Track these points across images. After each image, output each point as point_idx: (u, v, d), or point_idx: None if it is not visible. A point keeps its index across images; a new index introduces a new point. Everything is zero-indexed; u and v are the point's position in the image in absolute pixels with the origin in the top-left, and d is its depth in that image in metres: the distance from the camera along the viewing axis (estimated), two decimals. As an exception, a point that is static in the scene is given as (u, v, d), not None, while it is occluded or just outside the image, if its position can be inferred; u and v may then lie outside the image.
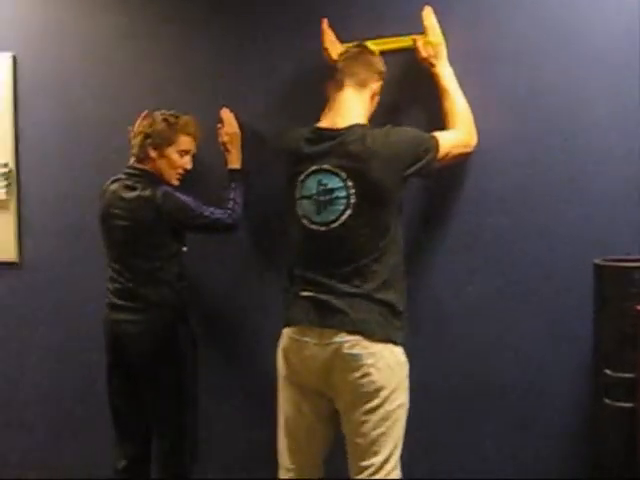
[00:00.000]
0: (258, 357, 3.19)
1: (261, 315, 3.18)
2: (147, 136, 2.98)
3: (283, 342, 2.57)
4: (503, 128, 2.78)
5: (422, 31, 2.74)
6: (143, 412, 3.01)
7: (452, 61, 2.75)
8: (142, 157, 3.00)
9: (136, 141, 3.01)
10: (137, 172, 3.00)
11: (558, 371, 2.75)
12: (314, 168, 2.51)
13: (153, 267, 2.94)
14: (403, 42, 2.82)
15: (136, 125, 3.03)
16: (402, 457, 2.49)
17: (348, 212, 2.45)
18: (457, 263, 2.86)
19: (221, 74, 3.23)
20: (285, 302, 2.59)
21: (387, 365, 2.43)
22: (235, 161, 3.08)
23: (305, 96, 3.01)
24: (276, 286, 2.86)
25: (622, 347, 2.37)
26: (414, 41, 2.74)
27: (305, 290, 2.51)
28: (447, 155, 2.62)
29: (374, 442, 2.43)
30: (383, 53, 2.80)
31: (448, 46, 2.75)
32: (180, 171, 3.03)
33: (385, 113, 2.78)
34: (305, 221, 2.53)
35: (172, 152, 2.99)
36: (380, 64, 2.67)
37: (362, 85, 2.61)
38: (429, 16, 2.74)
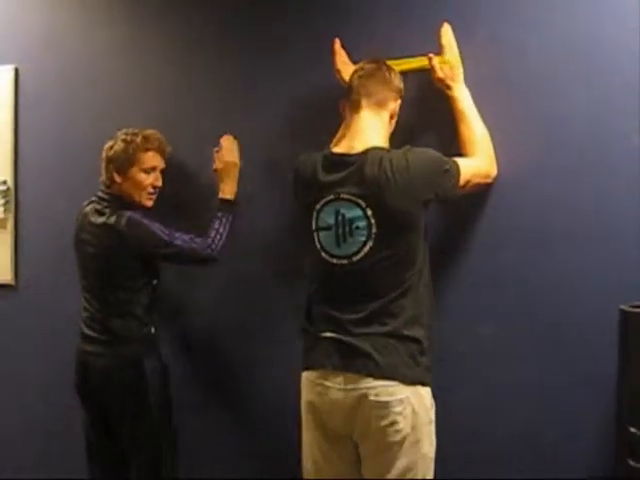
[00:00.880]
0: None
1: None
2: (109, 160, 2.84)
3: (305, 387, 2.42)
4: (525, 158, 2.55)
5: (439, 51, 2.55)
6: (115, 446, 2.87)
7: (469, 85, 2.55)
8: (109, 183, 2.86)
9: (102, 167, 2.88)
10: (106, 197, 2.85)
11: (577, 426, 2.52)
12: (331, 197, 2.34)
13: (121, 298, 2.80)
14: (418, 62, 2.60)
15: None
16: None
17: (370, 243, 2.29)
18: (471, 302, 2.65)
19: (231, 91, 3.06)
20: (305, 343, 2.44)
21: (414, 411, 2.29)
22: (227, 191, 2.86)
23: (318, 118, 2.83)
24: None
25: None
26: (430, 59, 2.53)
27: (327, 331, 2.36)
28: (467, 183, 2.43)
29: None
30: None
31: (465, 68, 2.55)
32: (150, 190, 2.86)
33: (398, 140, 2.57)
34: (324, 254, 2.37)
35: (136, 172, 2.83)
36: (398, 81, 2.48)
37: (380, 106, 2.42)
38: (447, 34, 2.55)
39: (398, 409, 2.26)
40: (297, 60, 2.93)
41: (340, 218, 2.32)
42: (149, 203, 2.88)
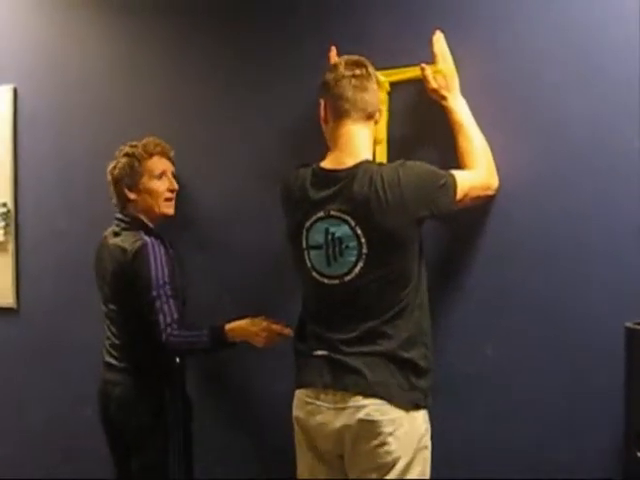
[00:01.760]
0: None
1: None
2: (117, 180, 2.74)
3: (296, 405, 2.33)
4: (528, 169, 2.42)
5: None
6: None
7: (466, 94, 2.44)
8: (124, 204, 2.75)
9: (111, 191, 2.77)
10: (123, 217, 2.75)
11: (583, 449, 2.37)
12: (320, 215, 2.24)
13: (136, 326, 2.64)
14: (411, 72, 2.49)
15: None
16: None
17: (360, 264, 2.19)
18: (474, 322, 2.52)
19: (231, 108, 2.98)
20: (297, 361, 2.35)
21: (406, 434, 2.18)
22: (234, 331, 2.62)
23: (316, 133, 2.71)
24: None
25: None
26: (422, 70, 2.42)
27: (319, 349, 2.26)
28: (465, 197, 2.31)
29: None
30: (393, 85, 2.54)
31: (461, 77, 2.44)
32: (167, 195, 2.75)
33: (394, 153, 2.49)
34: (315, 274, 2.28)
35: (147, 181, 2.72)
36: (380, 84, 2.38)
37: (370, 117, 2.31)
38: (439, 42, 2.43)
39: (389, 429, 2.15)
40: (296, 68, 2.83)
41: (330, 237, 2.22)
42: (170, 210, 2.77)
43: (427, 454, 2.25)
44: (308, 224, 2.26)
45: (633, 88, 2.29)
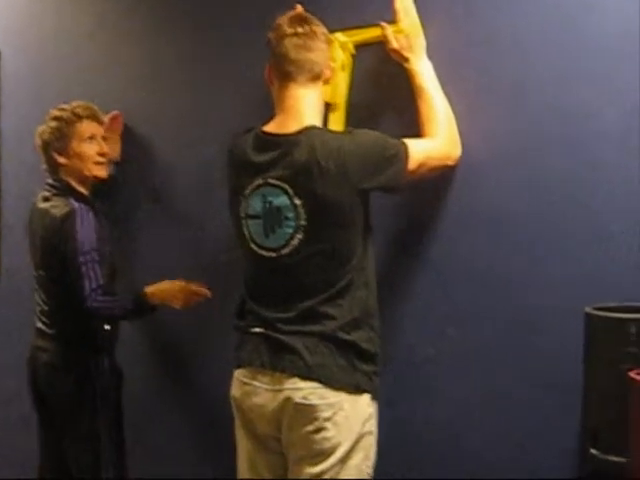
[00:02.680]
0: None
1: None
2: (46, 144, 2.67)
3: (234, 386, 2.20)
4: (493, 137, 2.25)
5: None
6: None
7: (431, 55, 2.26)
8: (54, 168, 2.68)
9: (41, 154, 2.71)
10: (53, 183, 2.69)
11: (540, 443, 2.20)
12: (259, 182, 2.10)
13: (63, 292, 2.59)
14: (372, 32, 2.31)
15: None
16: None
17: (298, 236, 2.05)
18: (434, 299, 2.36)
19: (209, 78, 2.86)
20: (237, 340, 2.22)
21: (346, 418, 2.04)
22: (156, 295, 2.61)
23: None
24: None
25: (611, 423, 1.83)
26: (382, 28, 2.24)
27: (256, 326, 2.13)
28: (420, 167, 2.14)
29: None
30: (357, 47, 2.37)
31: (427, 36, 2.26)
32: (97, 159, 2.68)
33: (354, 121, 2.33)
34: (253, 245, 2.14)
35: (77, 145, 2.65)
36: (329, 41, 2.20)
37: (317, 79, 2.15)
38: None
39: (327, 414, 2.03)
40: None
41: (268, 206, 2.09)
42: (102, 173, 2.71)
43: (372, 440, 2.12)
44: (247, 192, 2.13)
45: (600, 50, 2.09)
